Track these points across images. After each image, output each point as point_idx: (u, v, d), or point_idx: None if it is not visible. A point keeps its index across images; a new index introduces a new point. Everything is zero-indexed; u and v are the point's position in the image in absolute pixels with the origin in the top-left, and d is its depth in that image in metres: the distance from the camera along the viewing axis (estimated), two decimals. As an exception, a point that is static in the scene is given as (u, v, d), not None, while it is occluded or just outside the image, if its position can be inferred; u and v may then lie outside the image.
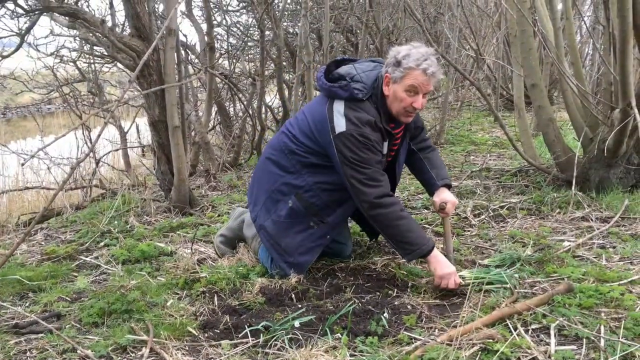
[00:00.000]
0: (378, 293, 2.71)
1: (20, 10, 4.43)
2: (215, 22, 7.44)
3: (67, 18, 4.54)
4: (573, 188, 3.89)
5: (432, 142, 3.24)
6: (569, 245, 3.18)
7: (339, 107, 2.72)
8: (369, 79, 2.76)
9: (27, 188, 5.67)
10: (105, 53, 5.32)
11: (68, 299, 2.74)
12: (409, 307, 2.54)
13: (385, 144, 2.80)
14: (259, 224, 2.96)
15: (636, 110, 3.35)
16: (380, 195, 2.68)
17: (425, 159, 3.09)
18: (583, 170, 4.11)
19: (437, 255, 2.67)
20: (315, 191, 2.82)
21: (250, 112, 6.65)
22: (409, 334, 2.27)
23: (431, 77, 2.63)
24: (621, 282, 2.63)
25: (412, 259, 2.79)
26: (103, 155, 6.55)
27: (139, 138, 8.36)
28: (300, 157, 2.84)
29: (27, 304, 2.73)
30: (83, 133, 6.46)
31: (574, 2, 5.64)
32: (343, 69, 2.83)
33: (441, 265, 2.64)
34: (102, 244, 3.61)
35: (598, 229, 3.41)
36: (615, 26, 3.30)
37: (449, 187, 3.02)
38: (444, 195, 2.95)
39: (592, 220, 3.61)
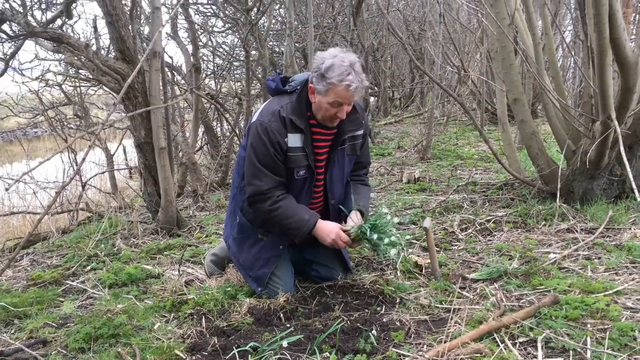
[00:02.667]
0: (367, 310, 2.71)
1: (4, 36, 4.44)
2: (200, 44, 7.50)
3: (51, 42, 4.55)
4: (558, 200, 3.93)
5: (370, 183, 3.28)
6: (555, 257, 3.20)
7: (265, 103, 2.85)
8: (301, 77, 2.84)
9: (12, 213, 5.61)
10: (91, 76, 5.32)
11: (54, 324, 2.71)
12: (397, 323, 2.54)
13: (297, 138, 2.73)
14: (227, 243, 3.10)
15: (616, 123, 3.42)
16: (254, 194, 2.74)
17: (354, 186, 3.05)
18: (567, 183, 4.16)
19: (317, 231, 2.77)
20: None
21: (237, 132, 6.67)
22: (397, 350, 2.27)
23: (354, 92, 2.64)
24: (607, 292, 2.65)
25: (300, 240, 2.84)
26: (90, 178, 6.52)
27: (126, 160, 8.34)
28: (241, 169, 2.90)
29: (12, 331, 2.70)
30: (69, 156, 6.44)
31: (553, 18, 5.75)
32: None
33: (323, 237, 2.78)
34: (88, 267, 3.58)
35: (583, 240, 3.44)
36: (593, 40, 3.37)
37: (362, 213, 2.93)
38: (352, 216, 2.89)
39: (577, 231, 3.65)
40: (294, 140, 2.73)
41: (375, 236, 2.71)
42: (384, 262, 3.37)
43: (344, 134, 2.87)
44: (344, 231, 2.78)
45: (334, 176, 2.94)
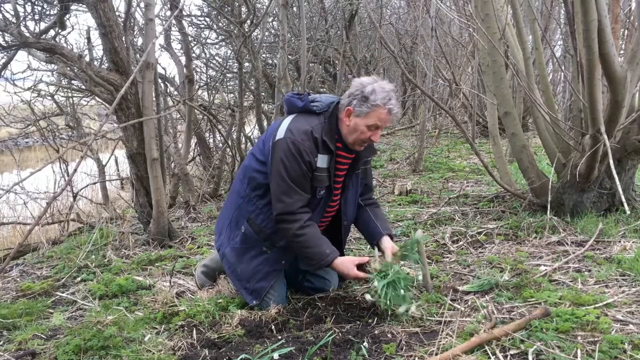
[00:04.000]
0: (358, 322, 2.70)
1: (-3, 46, 4.43)
2: (194, 55, 7.51)
3: (44, 53, 4.55)
4: (548, 213, 3.96)
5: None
6: (546, 269, 3.22)
7: (288, 119, 2.86)
8: (327, 99, 2.90)
9: (2, 224, 5.57)
10: (83, 87, 5.32)
11: (43, 336, 2.69)
12: (388, 335, 2.54)
13: (325, 159, 2.80)
14: (222, 251, 3.05)
15: (606, 137, 3.46)
16: (284, 212, 2.75)
17: (372, 212, 3.14)
18: (557, 195, 4.19)
19: (336, 266, 2.80)
20: (265, 214, 2.86)
21: (230, 143, 6.68)
22: (388, 363, 2.27)
23: (394, 116, 2.78)
24: (597, 305, 2.67)
25: (314, 270, 2.91)
26: (81, 189, 6.49)
27: (118, 171, 8.31)
28: (251, 180, 2.90)
29: (0, 343, 2.67)
30: (60, 167, 6.41)
31: (543, 33, 5.82)
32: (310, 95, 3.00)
33: (343, 272, 2.81)
34: (78, 279, 3.56)
35: (573, 252, 3.47)
36: (583, 55, 3.41)
37: (391, 237, 3.06)
38: (386, 243, 2.99)
39: (567, 244, 3.67)
40: (322, 161, 2.79)
41: (387, 285, 2.71)
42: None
43: (361, 160, 2.98)
44: (360, 267, 2.83)
45: (349, 198, 3.03)
